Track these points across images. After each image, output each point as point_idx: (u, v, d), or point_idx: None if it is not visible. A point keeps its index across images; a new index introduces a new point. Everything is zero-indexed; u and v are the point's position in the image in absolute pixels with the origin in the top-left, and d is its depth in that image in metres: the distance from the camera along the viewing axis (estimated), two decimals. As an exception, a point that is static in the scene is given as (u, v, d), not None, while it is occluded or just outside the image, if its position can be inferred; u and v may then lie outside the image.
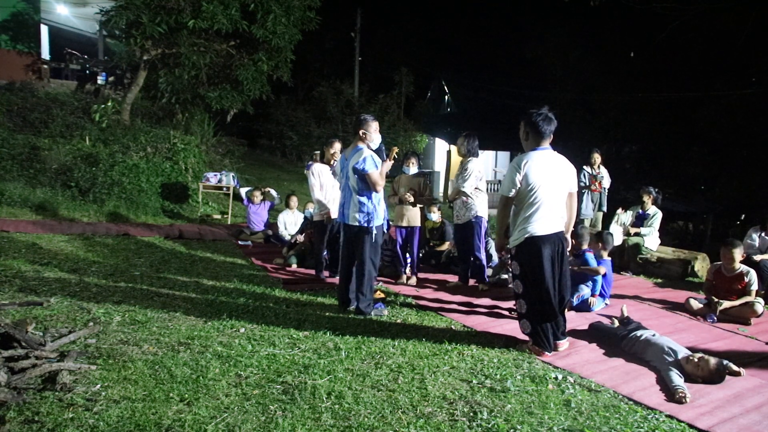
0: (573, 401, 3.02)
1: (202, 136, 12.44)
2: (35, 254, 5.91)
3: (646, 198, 7.08)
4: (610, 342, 4.08)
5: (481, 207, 5.57)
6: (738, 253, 5.05)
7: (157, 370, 3.11)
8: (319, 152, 6.25)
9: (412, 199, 5.77)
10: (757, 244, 6.04)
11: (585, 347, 3.98)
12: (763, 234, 6.07)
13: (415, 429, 2.62)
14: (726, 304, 4.93)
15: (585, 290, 5.03)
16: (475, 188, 5.51)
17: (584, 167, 8.27)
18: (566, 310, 4.10)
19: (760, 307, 4.87)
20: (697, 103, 15.26)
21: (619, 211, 7.40)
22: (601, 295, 5.16)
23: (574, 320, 4.63)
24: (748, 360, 3.92)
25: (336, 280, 5.59)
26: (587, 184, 8.20)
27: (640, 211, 7.17)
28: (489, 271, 6.14)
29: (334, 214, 5.74)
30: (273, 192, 8.63)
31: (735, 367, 3.46)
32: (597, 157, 8.28)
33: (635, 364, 3.68)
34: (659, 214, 7.08)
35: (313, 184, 5.95)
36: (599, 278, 5.06)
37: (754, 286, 4.97)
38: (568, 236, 3.92)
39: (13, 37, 13.27)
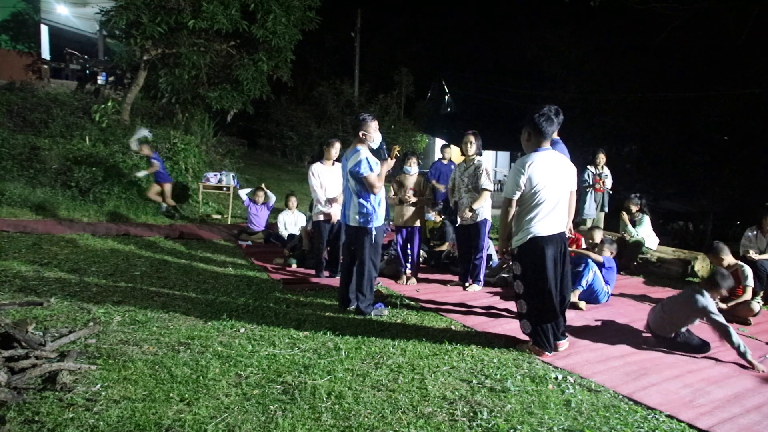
0: (573, 401, 3.02)
1: (202, 136, 12.45)
2: (35, 254, 5.91)
3: (634, 208, 7.36)
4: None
5: (486, 209, 5.57)
6: (724, 255, 5.13)
7: (157, 370, 3.11)
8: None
9: (414, 199, 5.77)
10: (755, 244, 6.06)
11: (585, 347, 3.98)
12: (759, 234, 6.10)
13: (415, 429, 2.62)
14: (724, 306, 4.95)
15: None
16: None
17: (588, 167, 8.23)
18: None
19: (757, 305, 4.91)
20: (697, 103, 15.24)
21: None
22: (606, 282, 5.28)
23: (574, 320, 4.63)
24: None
25: (336, 280, 5.60)
26: (591, 183, 8.15)
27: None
28: (488, 272, 6.14)
29: (339, 215, 5.75)
30: (242, 193, 8.45)
31: None
32: (602, 158, 8.26)
33: (635, 364, 3.67)
34: (646, 217, 7.32)
35: (313, 184, 5.95)
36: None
37: (750, 281, 5.00)
38: (568, 232, 3.93)
39: (13, 37, 13.28)
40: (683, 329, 4.06)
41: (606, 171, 8.30)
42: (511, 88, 20.34)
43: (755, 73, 13.59)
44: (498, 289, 5.69)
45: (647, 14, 12.15)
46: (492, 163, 21.75)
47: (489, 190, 5.46)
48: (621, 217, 7.43)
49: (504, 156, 22.15)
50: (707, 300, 3.92)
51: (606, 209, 8.43)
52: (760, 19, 11.55)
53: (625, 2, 11.69)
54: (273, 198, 8.52)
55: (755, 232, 6.12)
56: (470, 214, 5.47)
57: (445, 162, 8.99)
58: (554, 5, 16.05)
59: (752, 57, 13.71)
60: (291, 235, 7.47)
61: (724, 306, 4.95)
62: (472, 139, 5.55)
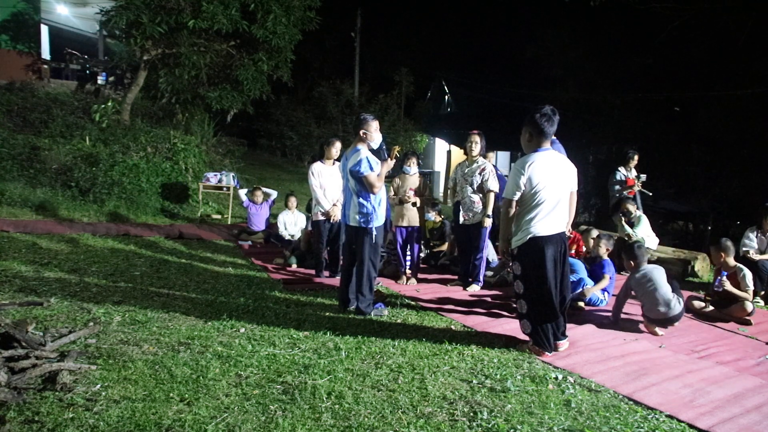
0: (573, 401, 3.02)
1: (202, 136, 12.44)
2: (35, 254, 5.91)
3: (631, 209, 7.28)
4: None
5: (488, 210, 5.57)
6: (728, 254, 5.14)
7: (157, 370, 3.11)
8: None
9: (415, 199, 5.77)
10: (755, 244, 6.07)
11: (585, 347, 3.98)
12: (759, 234, 6.11)
13: (415, 429, 2.62)
14: (728, 286, 4.96)
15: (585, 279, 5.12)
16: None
17: (619, 168, 7.88)
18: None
19: (749, 305, 4.91)
20: (697, 103, 15.23)
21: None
22: (604, 290, 5.26)
23: (574, 320, 4.63)
24: (749, 360, 3.92)
25: (336, 280, 5.60)
26: (624, 185, 7.72)
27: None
28: (489, 273, 6.15)
29: (339, 214, 5.75)
30: (242, 193, 8.62)
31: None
32: (635, 158, 7.88)
33: (635, 364, 3.67)
34: (644, 217, 7.29)
35: (312, 184, 5.95)
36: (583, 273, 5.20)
37: (750, 285, 4.99)
38: (568, 231, 3.92)
39: (13, 37, 13.28)
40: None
41: (635, 172, 7.96)
42: (511, 88, 20.32)
43: (755, 73, 13.57)
44: (498, 290, 5.69)
45: (647, 14, 12.15)
46: (492, 163, 21.75)
47: (495, 192, 5.46)
48: (618, 220, 7.44)
49: (504, 156, 22.12)
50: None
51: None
52: (760, 20, 11.55)
53: (625, 2, 11.70)
54: (274, 194, 8.54)
55: (755, 233, 6.13)
56: (489, 221, 5.46)
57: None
58: (554, 5, 16.06)
59: (752, 57, 13.70)
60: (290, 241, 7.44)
61: (722, 287, 4.98)
62: (476, 139, 5.54)
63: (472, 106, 22.15)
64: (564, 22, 17.96)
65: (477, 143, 5.53)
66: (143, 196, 9.56)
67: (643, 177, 7.89)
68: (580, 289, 5.07)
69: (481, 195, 5.49)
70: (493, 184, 5.43)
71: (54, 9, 15.07)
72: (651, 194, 8.12)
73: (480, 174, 5.48)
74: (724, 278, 4.98)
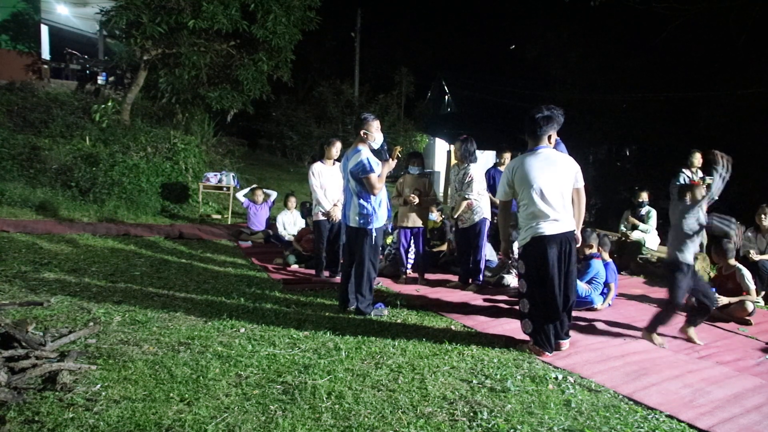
0: (573, 401, 3.02)
1: (202, 136, 12.45)
2: (35, 254, 5.91)
3: (645, 197, 7.43)
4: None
5: (485, 209, 5.58)
6: (729, 255, 5.16)
7: (157, 370, 3.11)
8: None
9: (417, 201, 5.76)
10: (755, 245, 6.08)
11: (585, 347, 3.98)
12: (759, 234, 6.12)
13: (415, 429, 2.62)
14: (723, 300, 4.96)
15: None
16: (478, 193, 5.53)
17: (683, 170, 7.29)
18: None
19: (750, 305, 4.90)
20: (697, 103, 15.23)
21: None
22: (603, 294, 5.20)
23: (574, 320, 4.62)
24: (749, 360, 3.92)
25: (336, 280, 5.60)
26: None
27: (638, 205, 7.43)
28: (488, 273, 6.14)
29: (340, 214, 5.75)
30: (240, 195, 8.62)
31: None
32: (698, 158, 7.14)
33: (635, 364, 3.67)
34: (654, 211, 7.33)
35: (313, 184, 5.95)
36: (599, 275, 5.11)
37: (751, 285, 4.99)
38: (578, 234, 3.85)
39: (14, 37, 13.28)
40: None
41: (701, 173, 7.30)
42: (511, 88, 20.31)
43: (755, 73, 13.57)
44: (497, 290, 5.69)
45: (647, 14, 12.14)
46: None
47: (468, 199, 5.47)
48: (625, 217, 7.39)
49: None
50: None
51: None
52: (761, 20, 11.55)
53: (625, 2, 11.69)
54: (273, 194, 8.54)
55: (754, 233, 6.14)
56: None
57: (501, 168, 7.19)
58: (554, 5, 16.06)
59: (752, 57, 13.70)
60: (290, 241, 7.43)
61: (725, 300, 4.98)
62: (457, 145, 5.57)
63: (472, 106, 22.13)
64: (564, 22, 17.96)
65: (458, 150, 5.56)
66: (143, 196, 9.56)
67: (709, 179, 7.36)
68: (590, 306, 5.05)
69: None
70: (468, 191, 5.46)
71: (54, 9, 15.06)
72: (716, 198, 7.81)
73: (463, 179, 5.50)
74: (717, 296, 4.99)
